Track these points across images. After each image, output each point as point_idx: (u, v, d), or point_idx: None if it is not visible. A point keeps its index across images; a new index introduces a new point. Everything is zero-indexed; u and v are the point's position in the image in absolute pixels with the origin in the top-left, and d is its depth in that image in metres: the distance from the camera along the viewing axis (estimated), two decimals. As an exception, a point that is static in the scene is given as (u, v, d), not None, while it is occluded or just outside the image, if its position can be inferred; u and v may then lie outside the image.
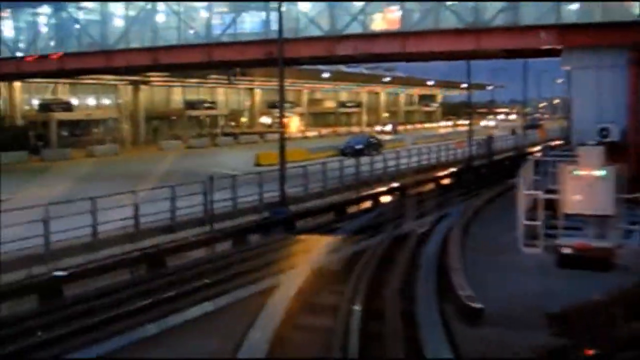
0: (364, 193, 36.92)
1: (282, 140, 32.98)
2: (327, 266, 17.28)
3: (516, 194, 19.29)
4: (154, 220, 25.90)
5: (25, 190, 37.65)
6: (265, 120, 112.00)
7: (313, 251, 19.27)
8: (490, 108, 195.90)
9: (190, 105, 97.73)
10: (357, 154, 64.49)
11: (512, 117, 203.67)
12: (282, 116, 34.45)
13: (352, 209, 32.46)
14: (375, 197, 36.07)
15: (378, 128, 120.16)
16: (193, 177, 41.98)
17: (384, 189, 38.31)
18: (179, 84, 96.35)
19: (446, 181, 44.09)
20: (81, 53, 47.65)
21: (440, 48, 37.99)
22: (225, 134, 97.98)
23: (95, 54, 46.99)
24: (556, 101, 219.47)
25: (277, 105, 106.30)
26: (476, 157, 56.64)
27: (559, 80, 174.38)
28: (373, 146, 69.37)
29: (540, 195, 17.55)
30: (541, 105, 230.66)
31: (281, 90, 32.96)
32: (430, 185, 41.62)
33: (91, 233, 23.24)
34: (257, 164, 56.56)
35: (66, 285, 18.05)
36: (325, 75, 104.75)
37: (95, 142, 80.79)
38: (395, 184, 40.17)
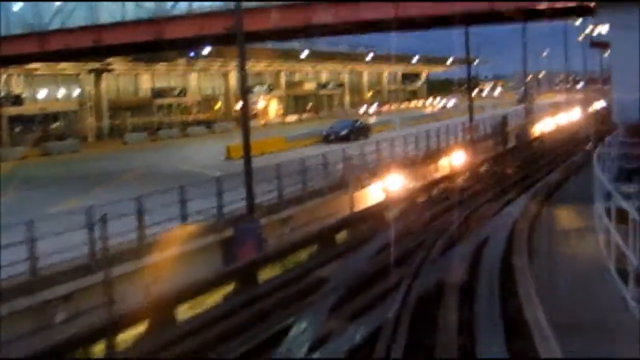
0: (357, 201, 29.53)
1: (247, 132, 25.58)
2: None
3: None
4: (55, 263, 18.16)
5: None
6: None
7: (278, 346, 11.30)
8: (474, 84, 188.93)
9: (158, 93, 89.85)
10: (342, 140, 57.52)
11: (497, 92, 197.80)
12: (245, 102, 27.05)
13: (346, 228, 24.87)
14: (371, 207, 28.48)
15: (362, 109, 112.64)
16: (147, 179, 35.41)
17: (383, 192, 30.98)
18: (145, 70, 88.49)
19: (462, 179, 35.80)
20: (9, 37, 40.00)
21: (445, 11, 30.68)
22: (198, 123, 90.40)
23: (27, 37, 39.40)
24: (542, 74, 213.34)
25: (253, 89, 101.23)
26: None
27: (544, 53, 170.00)
28: (360, 130, 62.04)
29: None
30: (527, 79, 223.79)
31: (242, 71, 25.48)
32: (442, 186, 33.69)
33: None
34: (228, 158, 49.29)
35: None
36: (304, 54, 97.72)
37: (55, 138, 73.10)
38: (400, 182, 32.92)
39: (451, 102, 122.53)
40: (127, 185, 33.69)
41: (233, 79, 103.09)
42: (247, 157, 24.73)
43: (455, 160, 42.38)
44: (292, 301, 13.62)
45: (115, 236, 19.14)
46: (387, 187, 33.71)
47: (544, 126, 65.68)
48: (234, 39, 24.88)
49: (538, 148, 47.46)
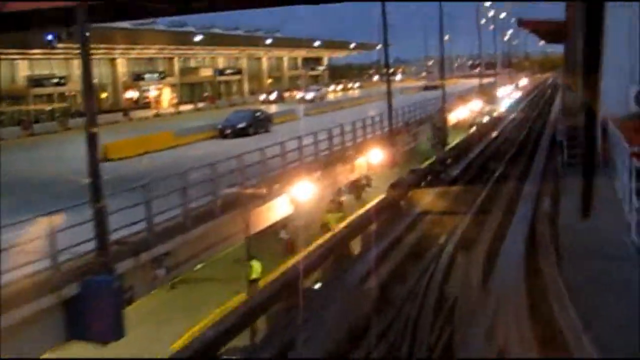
0: (257, 221, 22.81)
1: (93, 142, 18.42)
2: None
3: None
4: None
5: None
6: (132, 94, 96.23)
7: None
8: (377, 69, 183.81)
9: (36, 82, 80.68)
10: (240, 133, 50.57)
11: (398, 77, 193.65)
12: (89, 91, 19.80)
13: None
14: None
15: (262, 97, 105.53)
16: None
17: (291, 204, 24.38)
18: (19, 56, 78.97)
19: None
20: None
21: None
22: (82, 114, 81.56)
23: None
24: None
25: (144, 77, 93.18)
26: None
27: (446, 37, 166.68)
28: (260, 123, 54.65)
29: None
30: (429, 63, 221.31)
31: (85, 55, 18.22)
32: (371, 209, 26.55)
33: None
34: (106, 159, 41.66)
35: None
36: (198, 38, 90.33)
37: None
38: (310, 190, 26.34)
39: (310, 94, 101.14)
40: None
41: (122, 65, 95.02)
42: (95, 181, 17.56)
43: (376, 159, 36.17)
44: None
45: None
46: (295, 197, 27.28)
47: (472, 118, 59.93)
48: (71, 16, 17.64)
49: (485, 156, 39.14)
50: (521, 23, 50.31)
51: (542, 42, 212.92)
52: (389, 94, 41.97)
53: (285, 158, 29.48)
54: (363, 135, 40.48)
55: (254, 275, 25.57)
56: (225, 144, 46.42)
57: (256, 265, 25.62)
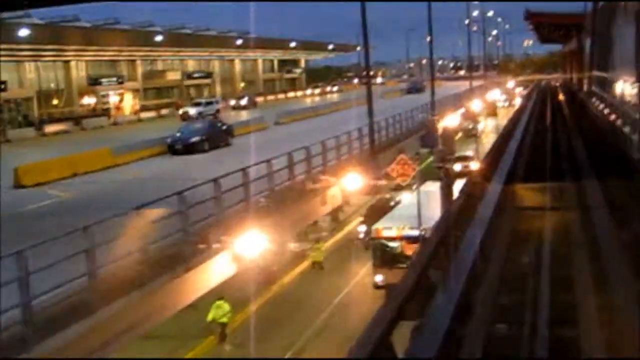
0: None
1: None
2: None
3: None
4: None
5: None
6: (89, 101, 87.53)
7: None
8: (356, 71, 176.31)
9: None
10: (194, 149, 42.56)
11: (378, 80, 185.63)
12: None
13: None
14: None
15: (232, 102, 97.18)
16: None
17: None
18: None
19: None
20: None
21: None
22: (28, 124, 73.23)
23: None
24: (424, 61, 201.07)
25: (101, 81, 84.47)
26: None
27: (427, 39, 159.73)
28: (219, 135, 46.02)
29: None
30: (410, 65, 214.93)
31: None
32: None
33: None
34: (18, 185, 33.40)
35: None
36: (159, 38, 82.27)
37: None
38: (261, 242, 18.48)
39: (194, 110, 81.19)
40: None
41: (77, 69, 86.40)
42: None
43: (354, 186, 28.27)
44: None
45: None
46: (240, 253, 19.40)
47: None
48: None
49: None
50: (529, 16, 43.06)
51: (526, 43, 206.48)
52: (370, 101, 33.66)
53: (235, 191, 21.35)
54: (337, 156, 32.20)
55: (223, 319, 23.29)
56: (172, 163, 38.66)
57: (225, 307, 23.22)
